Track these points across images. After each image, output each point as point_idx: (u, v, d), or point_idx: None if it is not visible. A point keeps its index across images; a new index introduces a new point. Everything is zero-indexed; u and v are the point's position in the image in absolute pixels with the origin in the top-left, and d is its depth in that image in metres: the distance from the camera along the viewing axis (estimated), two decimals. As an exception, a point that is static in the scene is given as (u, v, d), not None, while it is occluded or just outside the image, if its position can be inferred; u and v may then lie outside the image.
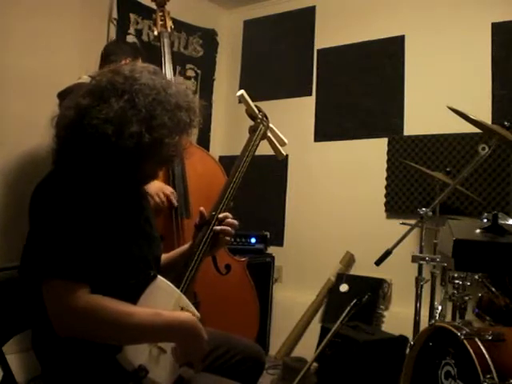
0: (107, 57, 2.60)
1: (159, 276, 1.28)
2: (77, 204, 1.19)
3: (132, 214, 1.36)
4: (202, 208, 1.52)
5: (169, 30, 2.78)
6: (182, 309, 1.29)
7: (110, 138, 1.20)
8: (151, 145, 1.24)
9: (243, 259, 2.68)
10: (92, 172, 1.23)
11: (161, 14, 2.79)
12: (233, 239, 3.47)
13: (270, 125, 1.80)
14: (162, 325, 1.21)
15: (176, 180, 2.56)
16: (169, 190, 2.47)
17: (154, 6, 2.89)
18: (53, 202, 1.20)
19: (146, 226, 1.41)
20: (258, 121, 1.74)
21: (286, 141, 1.86)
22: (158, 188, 2.41)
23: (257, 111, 1.77)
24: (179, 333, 1.24)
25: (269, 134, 1.80)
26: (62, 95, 2.41)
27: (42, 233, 1.20)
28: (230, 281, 2.51)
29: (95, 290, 1.17)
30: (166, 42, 2.72)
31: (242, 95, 1.75)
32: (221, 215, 1.52)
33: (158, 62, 2.64)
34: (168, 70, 2.68)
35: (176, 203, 2.48)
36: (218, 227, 1.50)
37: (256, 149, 1.69)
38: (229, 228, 1.51)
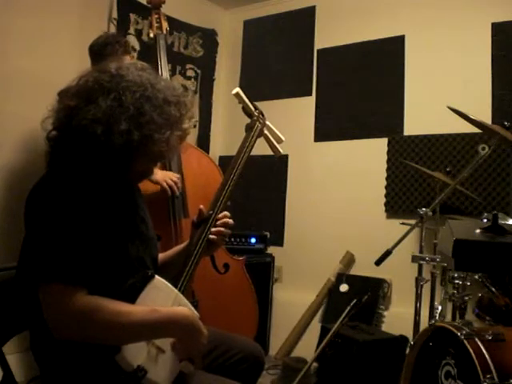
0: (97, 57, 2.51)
1: (157, 276, 1.28)
2: (71, 207, 1.18)
3: (127, 215, 1.35)
4: (201, 206, 1.52)
5: (164, 32, 2.77)
6: None
7: (99, 138, 1.20)
8: (141, 141, 1.24)
9: (241, 258, 2.69)
10: (85, 173, 1.23)
11: (156, 16, 2.78)
12: (232, 239, 3.51)
13: (267, 122, 1.79)
14: (160, 320, 1.21)
15: None
16: (175, 176, 2.48)
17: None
18: (47, 205, 1.19)
19: (141, 226, 1.41)
20: (255, 118, 1.74)
21: (282, 138, 1.86)
22: (164, 175, 2.44)
23: (253, 109, 1.76)
24: (178, 327, 1.24)
25: (265, 132, 1.80)
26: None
27: (37, 237, 1.19)
28: (229, 280, 2.52)
29: (93, 291, 1.17)
30: (161, 44, 2.71)
31: (237, 93, 1.75)
32: (220, 215, 1.52)
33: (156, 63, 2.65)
34: (164, 72, 2.68)
35: (178, 192, 2.48)
36: (214, 229, 1.50)
37: (253, 147, 1.68)
38: (223, 229, 1.52)
